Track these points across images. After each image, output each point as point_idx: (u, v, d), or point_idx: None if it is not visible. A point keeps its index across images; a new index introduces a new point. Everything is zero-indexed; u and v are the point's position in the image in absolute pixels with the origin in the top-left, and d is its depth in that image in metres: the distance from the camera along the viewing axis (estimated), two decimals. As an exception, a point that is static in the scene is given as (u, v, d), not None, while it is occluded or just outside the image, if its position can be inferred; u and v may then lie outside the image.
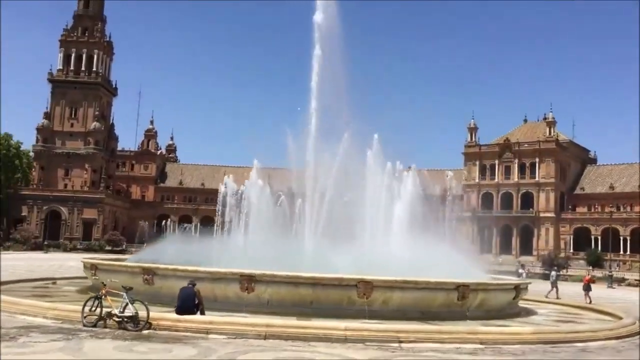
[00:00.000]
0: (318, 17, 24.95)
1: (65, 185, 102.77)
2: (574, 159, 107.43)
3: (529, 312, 21.49)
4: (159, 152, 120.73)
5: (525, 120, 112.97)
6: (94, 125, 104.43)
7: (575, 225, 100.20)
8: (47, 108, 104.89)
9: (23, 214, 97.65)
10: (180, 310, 13.85)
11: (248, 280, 16.44)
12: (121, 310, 13.31)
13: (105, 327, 13.45)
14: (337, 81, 23.68)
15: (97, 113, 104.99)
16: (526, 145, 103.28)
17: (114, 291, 14.11)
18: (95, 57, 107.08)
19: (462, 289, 17.79)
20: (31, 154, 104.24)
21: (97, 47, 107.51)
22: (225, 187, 26.29)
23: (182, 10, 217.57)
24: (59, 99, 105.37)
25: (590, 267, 73.88)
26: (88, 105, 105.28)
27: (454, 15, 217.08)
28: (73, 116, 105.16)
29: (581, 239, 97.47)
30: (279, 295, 16.63)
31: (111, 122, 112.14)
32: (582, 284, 30.45)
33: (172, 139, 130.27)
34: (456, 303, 17.88)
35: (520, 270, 35.87)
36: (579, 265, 79.43)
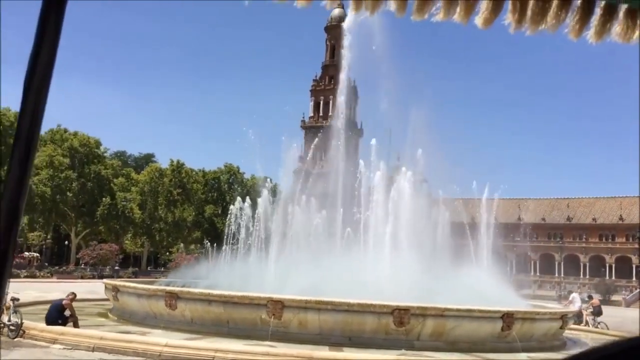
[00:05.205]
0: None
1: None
2: None
3: (554, 348, 17.22)
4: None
5: None
6: (349, 166, 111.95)
7: None
8: (301, 152, 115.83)
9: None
10: (47, 321, 15.01)
11: (170, 298, 16.78)
12: (9, 319, 15.02)
13: (0, 334, 15.31)
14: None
15: (346, 154, 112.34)
16: None
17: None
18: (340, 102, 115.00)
19: (400, 314, 15.37)
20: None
21: (342, 92, 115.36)
22: (243, 206, 26.64)
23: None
24: (310, 143, 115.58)
25: None
26: (339, 148, 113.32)
27: None
28: (322, 158, 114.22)
29: None
30: (198, 313, 16.57)
31: (358, 161, 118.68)
32: None
33: (421, 173, 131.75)
34: (396, 330, 15.49)
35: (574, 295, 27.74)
36: None
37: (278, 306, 15.53)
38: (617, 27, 2.79)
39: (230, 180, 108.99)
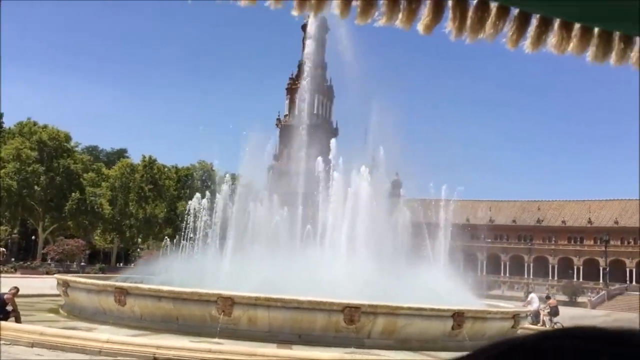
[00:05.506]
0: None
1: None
2: None
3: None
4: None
5: None
6: (315, 164, 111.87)
7: None
8: (275, 150, 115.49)
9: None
10: (-13, 316, 14.67)
11: (119, 293, 16.50)
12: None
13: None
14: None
15: (318, 153, 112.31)
16: None
17: None
18: (316, 101, 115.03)
19: (350, 312, 15.30)
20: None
21: (318, 91, 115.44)
22: (199, 204, 26.55)
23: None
24: (285, 141, 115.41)
25: None
26: (310, 146, 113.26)
27: None
28: (297, 157, 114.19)
29: None
30: (147, 309, 16.33)
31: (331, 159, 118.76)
32: None
33: (397, 174, 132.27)
34: (347, 328, 15.41)
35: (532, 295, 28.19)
36: None
37: (228, 303, 15.36)
38: (552, 39, 2.87)
39: (204, 177, 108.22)
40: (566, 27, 2.88)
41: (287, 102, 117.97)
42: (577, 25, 2.92)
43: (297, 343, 15.09)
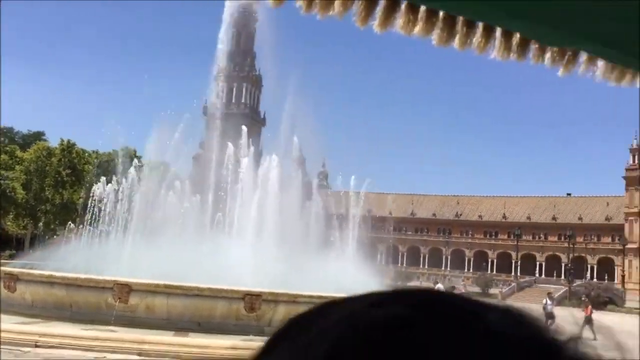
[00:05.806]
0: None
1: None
2: None
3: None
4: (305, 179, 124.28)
5: None
6: (242, 153, 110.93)
7: None
8: (202, 138, 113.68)
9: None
10: None
11: (9, 279, 15.77)
12: None
13: None
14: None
15: (245, 142, 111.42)
16: None
17: None
18: (244, 90, 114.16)
19: (251, 299, 15.24)
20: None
21: (246, 80, 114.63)
22: (105, 189, 26.13)
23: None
24: (212, 129, 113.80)
25: None
26: (233, 134, 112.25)
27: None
28: (214, 144, 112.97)
29: None
30: (39, 296, 15.70)
31: (260, 150, 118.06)
32: None
33: (323, 165, 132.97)
34: (247, 315, 15.34)
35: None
36: None
37: (124, 290, 14.95)
38: (399, 20, 2.91)
39: (126, 164, 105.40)
40: (412, 10, 2.94)
41: (215, 89, 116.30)
42: (422, 8, 2.98)
43: (196, 331, 14.87)
